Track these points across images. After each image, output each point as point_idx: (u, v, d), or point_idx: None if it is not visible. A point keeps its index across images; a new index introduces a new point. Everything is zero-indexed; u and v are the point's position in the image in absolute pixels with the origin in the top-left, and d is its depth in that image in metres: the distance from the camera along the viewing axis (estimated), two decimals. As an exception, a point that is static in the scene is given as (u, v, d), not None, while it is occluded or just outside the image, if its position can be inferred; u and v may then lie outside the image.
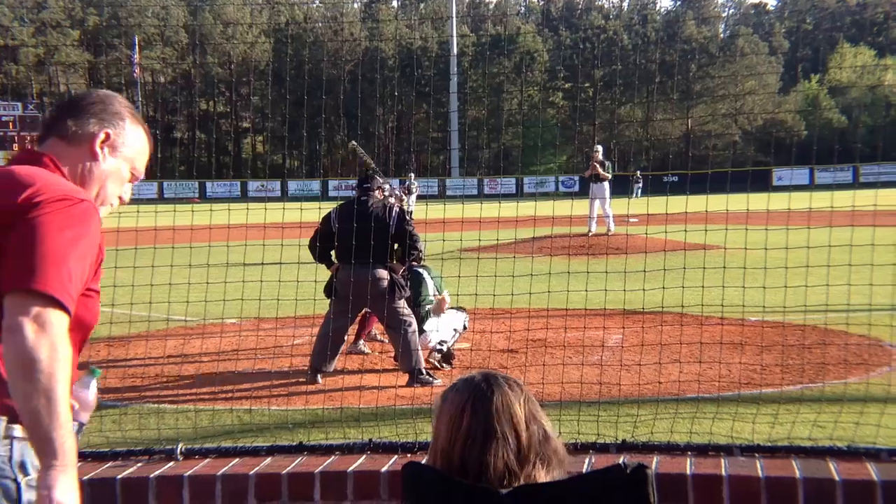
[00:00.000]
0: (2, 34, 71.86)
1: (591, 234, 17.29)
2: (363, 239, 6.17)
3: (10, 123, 63.62)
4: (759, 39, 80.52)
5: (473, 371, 2.01)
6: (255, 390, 6.03)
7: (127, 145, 2.18)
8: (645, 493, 1.89)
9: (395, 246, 6.90)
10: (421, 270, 7.50)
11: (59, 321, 1.77)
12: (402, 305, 6.73)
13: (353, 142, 9.76)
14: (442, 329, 7.19)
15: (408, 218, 6.92)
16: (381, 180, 7.42)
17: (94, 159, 2.10)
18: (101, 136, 2.12)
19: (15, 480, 1.83)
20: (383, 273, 6.62)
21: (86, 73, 76.75)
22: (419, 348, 6.63)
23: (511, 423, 1.87)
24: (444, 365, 7.08)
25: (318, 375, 6.56)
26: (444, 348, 7.15)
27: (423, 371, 6.52)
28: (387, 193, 8.53)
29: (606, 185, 18.03)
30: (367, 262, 6.38)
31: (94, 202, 2.01)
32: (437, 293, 7.48)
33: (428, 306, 7.32)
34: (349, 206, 6.90)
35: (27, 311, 1.74)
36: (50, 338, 1.73)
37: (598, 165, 18.27)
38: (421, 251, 7.01)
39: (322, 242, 6.82)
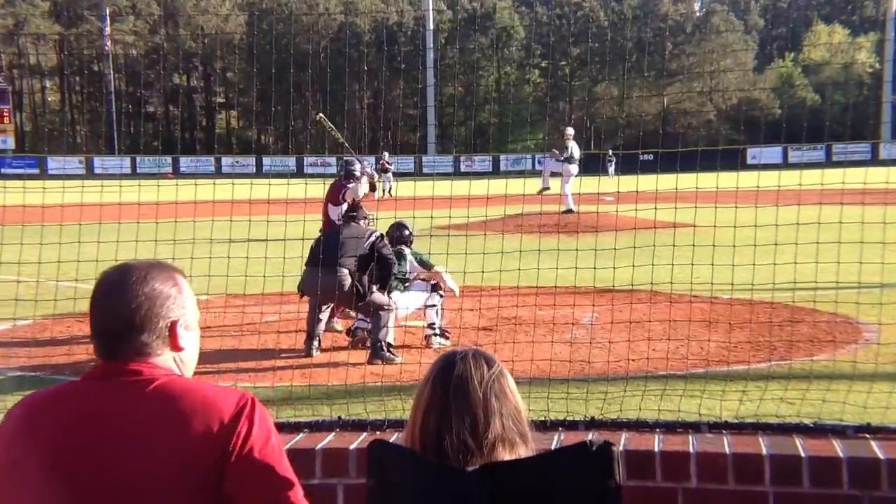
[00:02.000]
0: (-31, 5, 70.46)
1: (575, 211, 17.34)
2: (333, 249, 6.82)
3: (-21, 96, 62.53)
4: (734, 18, 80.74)
5: (456, 347, 2.00)
6: (225, 367, 5.99)
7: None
8: (611, 470, 1.89)
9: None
10: (405, 249, 7.65)
11: None
12: (374, 297, 7.02)
13: (320, 114, 9.67)
14: (409, 304, 7.34)
15: (382, 243, 7.24)
16: (355, 159, 7.77)
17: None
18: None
19: None
20: (345, 275, 6.93)
21: (56, 44, 75.45)
22: (388, 326, 6.82)
23: (467, 399, 1.86)
24: (443, 342, 7.17)
25: (314, 344, 6.99)
26: (436, 329, 7.31)
27: (385, 348, 6.71)
28: (358, 173, 8.61)
29: (574, 166, 18.36)
30: (333, 268, 6.84)
31: None
32: (423, 270, 7.72)
33: (399, 283, 7.46)
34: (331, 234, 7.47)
35: None
36: None
37: (570, 145, 18.54)
38: (388, 278, 7.21)
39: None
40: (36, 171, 55.00)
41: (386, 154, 35.43)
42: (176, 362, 1.87)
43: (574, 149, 18.64)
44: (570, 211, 17.21)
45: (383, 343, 6.73)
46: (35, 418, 1.76)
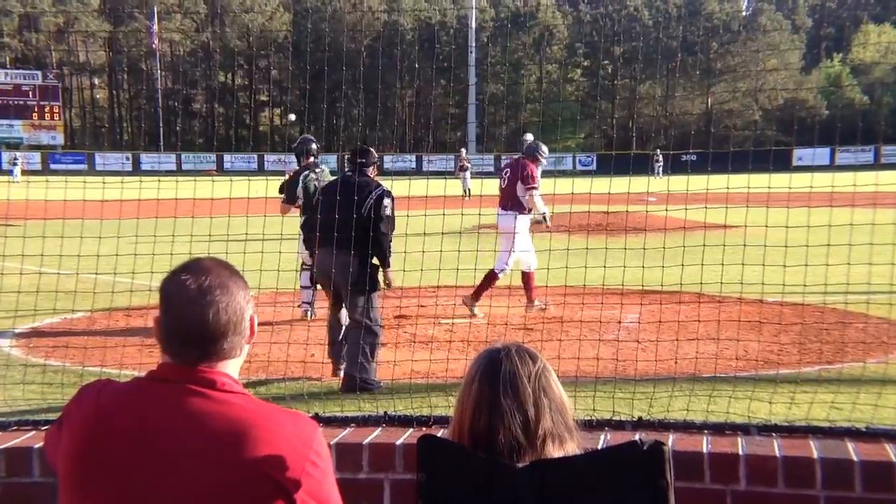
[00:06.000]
0: (22, 2, 71.91)
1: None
2: (341, 224, 5.45)
3: (31, 92, 63.89)
4: (782, 17, 79.47)
5: (496, 343, 1.99)
6: (272, 361, 6.05)
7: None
8: (661, 470, 1.87)
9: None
10: None
11: None
12: (364, 300, 6.12)
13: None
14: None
15: (386, 204, 6.29)
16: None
17: None
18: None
19: None
20: (355, 259, 5.94)
21: (105, 42, 76.75)
22: (373, 359, 6.04)
23: (517, 395, 1.85)
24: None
25: (340, 368, 6.23)
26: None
27: (368, 382, 5.87)
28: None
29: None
30: (341, 247, 5.64)
31: None
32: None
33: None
34: (333, 184, 6.42)
35: None
36: None
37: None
38: (386, 246, 6.30)
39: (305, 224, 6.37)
40: (84, 166, 56.04)
41: (464, 151, 34.69)
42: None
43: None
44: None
45: (367, 378, 5.89)
46: (103, 422, 1.77)
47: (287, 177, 9.27)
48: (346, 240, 5.56)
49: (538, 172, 8.95)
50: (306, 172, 8.75)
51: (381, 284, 6.32)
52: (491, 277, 8.29)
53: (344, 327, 6.27)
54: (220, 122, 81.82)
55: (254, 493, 1.69)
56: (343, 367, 6.11)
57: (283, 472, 1.70)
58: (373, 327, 6.11)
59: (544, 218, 9.06)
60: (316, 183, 8.43)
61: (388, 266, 6.33)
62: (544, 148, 9.17)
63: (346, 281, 5.81)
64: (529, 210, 8.81)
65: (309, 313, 8.22)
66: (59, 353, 6.50)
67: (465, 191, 27.77)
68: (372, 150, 6.62)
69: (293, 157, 9.57)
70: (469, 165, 31.21)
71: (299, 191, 8.50)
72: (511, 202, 8.76)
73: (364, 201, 6.13)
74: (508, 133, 71.83)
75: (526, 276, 8.38)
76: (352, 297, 5.99)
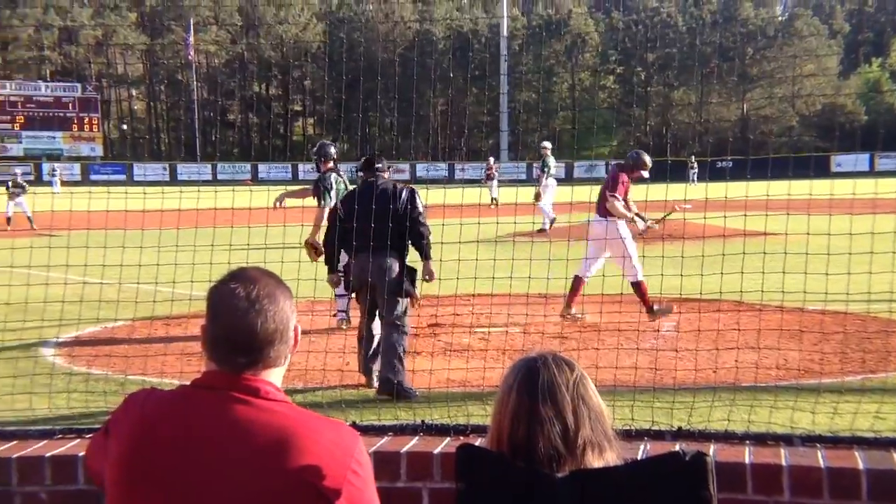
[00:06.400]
0: (62, 16, 73.29)
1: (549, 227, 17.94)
2: (370, 224, 5.57)
3: (70, 104, 65.03)
4: (818, 22, 78.52)
5: (532, 352, 1.98)
6: (309, 370, 6.09)
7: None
8: (704, 481, 1.85)
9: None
10: None
11: None
12: (402, 304, 6.19)
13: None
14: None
15: (419, 200, 6.38)
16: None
17: None
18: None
19: None
20: (394, 262, 6.10)
21: (143, 55, 77.95)
22: (404, 364, 6.07)
23: (556, 404, 1.84)
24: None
25: (373, 381, 6.22)
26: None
27: (405, 388, 5.87)
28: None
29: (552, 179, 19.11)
30: (379, 249, 5.77)
31: None
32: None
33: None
34: (358, 192, 6.43)
35: None
36: None
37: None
38: (426, 238, 6.32)
39: (333, 230, 6.36)
40: (123, 177, 56.88)
41: (491, 160, 34.71)
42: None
43: (551, 161, 19.55)
44: (543, 230, 17.61)
45: (402, 382, 5.90)
46: (149, 430, 1.79)
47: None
48: (384, 243, 5.66)
49: (625, 179, 8.77)
50: (328, 174, 8.78)
51: (422, 279, 6.38)
52: (577, 283, 8.23)
53: (376, 338, 6.28)
54: (254, 132, 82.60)
55: (296, 502, 1.70)
56: (377, 376, 6.13)
57: (325, 480, 1.71)
58: (405, 331, 6.16)
59: (647, 224, 8.92)
60: (343, 185, 8.51)
61: (430, 258, 6.37)
62: (646, 158, 9.01)
63: (383, 285, 5.89)
64: (617, 217, 8.71)
65: (344, 322, 8.25)
66: (101, 362, 6.60)
67: (491, 199, 27.87)
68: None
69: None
70: (496, 174, 31.18)
71: (333, 193, 8.53)
72: (604, 208, 8.71)
73: (398, 200, 6.19)
74: (540, 141, 71.83)
75: (637, 286, 8.28)
76: (389, 301, 6.04)
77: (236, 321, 1.81)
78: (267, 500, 1.71)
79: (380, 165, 6.54)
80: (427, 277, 6.43)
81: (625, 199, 8.78)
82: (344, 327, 8.12)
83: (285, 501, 1.70)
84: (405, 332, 6.18)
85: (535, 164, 33.46)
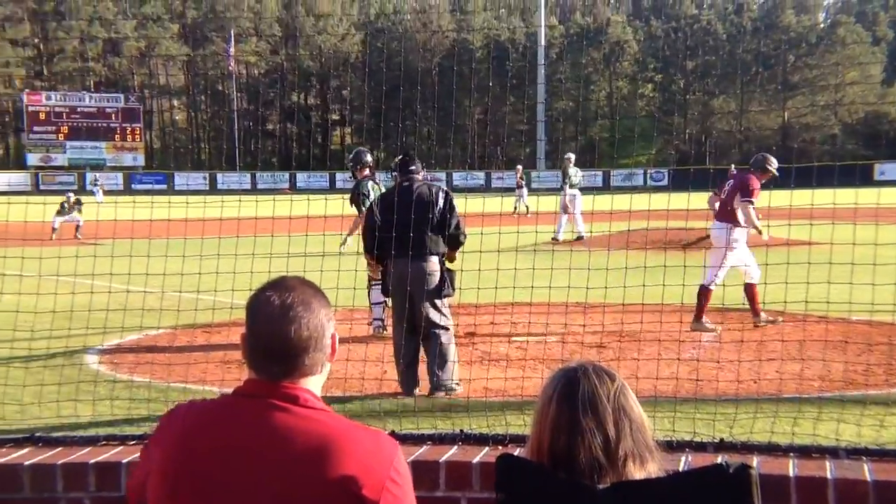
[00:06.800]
0: (106, 28, 74.71)
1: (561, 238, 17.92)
2: (409, 229, 5.69)
3: (114, 115, 66.16)
4: (861, 29, 77.34)
5: (572, 362, 1.97)
6: (348, 378, 6.11)
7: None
8: (748, 494, 1.83)
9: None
10: None
11: None
12: (444, 305, 6.21)
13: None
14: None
15: (455, 205, 6.36)
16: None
17: None
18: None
19: None
20: (434, 265, 6.13)
21: (184, 65, 79.12)
22: (455, 359, 6.17)
23: (597, 415, 1.83)
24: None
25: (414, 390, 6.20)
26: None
27: (451, 385, 6.04)
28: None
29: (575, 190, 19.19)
30: (417, 256, 5.89)
31: None
32: None
33: None
34: (390, 195, 6.42)
35: None
36: None
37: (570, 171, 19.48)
38: (463, 242, 6.36)
39: (371, 236, 6.32)
40: (164, 186, 57.70)
41: (520, 168, 34.74)
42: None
43: (576, 174, 19.61)
44: (556, 239, 17.61)
45: (454, 380, 6.04)
46: (191, 440, 1.81)
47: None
48: (423, 246, 5.72)
49: (757, 185, 8.62)
50: (364, 181, 8.78)
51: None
52: (703, 293, 8.06)
53: (412, 347, 6.18)
54: (293, 141, 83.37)
55: None
56: (433, 381, 6.14)
57: (364, 489, 1.72)
58: (450, 329, 6.20)
59: (759, 232, 8.81)
60: (379, 191, 8.52)
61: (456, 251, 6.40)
62: (772, 159, 8.86)
63: (423, 292, 5.91)
64: (744, 223, 8.58)
65: (380, 330, 8.27)
66: (144, 370, 6.69)
67: (516, 207, 28.07)
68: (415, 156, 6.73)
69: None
70: (523, 182, 31.21)
71: (370, 200, 8.51)
72: (726, 214, 8.61)
73: (435, 206, 6.18)
74: (578, 149, 71.50)
75: (749, 288, 8.17)
76: (431, 302, 6.05)
77: (271, 328, 1.84)
78: None
79: (413, 167, 6.51)
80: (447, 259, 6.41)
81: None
82: (383, 333, 8.14)
83: None
84: (452, 334, 6.21)
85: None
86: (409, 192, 6.22)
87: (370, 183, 8.84)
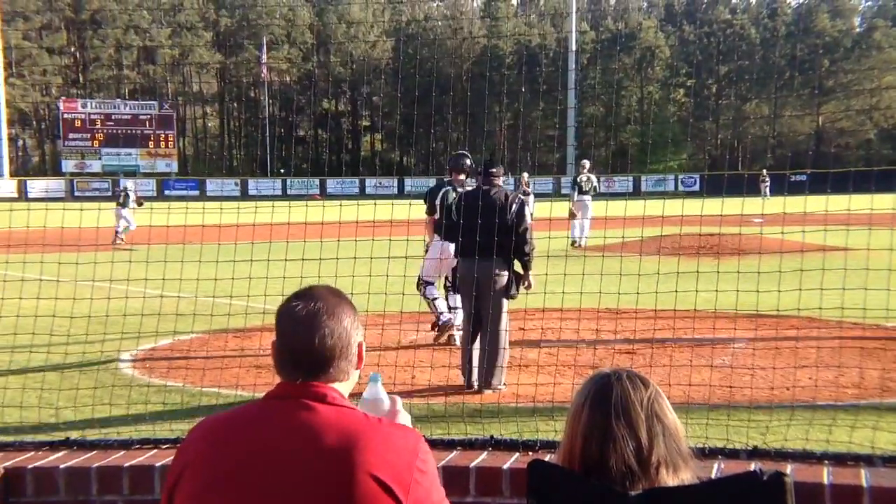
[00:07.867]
0: (141, 36, 75.70)
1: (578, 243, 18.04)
2: (485, 232, 6.00)
3: (147, 122, 66.94)
4: (898, 32, 76.23)
5: (604, 368, 1.96)
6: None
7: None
8: (783, 502, 1.81)
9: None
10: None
11: None
12: (505, 308, 6.51)
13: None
14: None
15: (527, 213, 6.66)
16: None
17: None
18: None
19: None
20: (503, 269, 6.43)
21: (217, 73, 79.90)
22: (505, 364, 6.44)
23: (630, 421, 1.82)
24: None
25: (474, 383, 6.46)
26: None
27: (502, 385, 6.34)
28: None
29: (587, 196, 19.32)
30: (489, 256, 6.16)
31: None
32: None
33: None
34: (473, 196, 6.72)
35: None
36: None
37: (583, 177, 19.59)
38: (529, 253, 6.61)
39: (447, 232, 6.78)
40: (197, 192, 58.24)
41: (525, 175, 34.44)
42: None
43: (587, 180, 19.66)
44: (575, 242, 17.81)
45: (501, 382, 6.35)
46: (223, 442, 1.84)
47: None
48: (491, 253, 6.04)
49: None
50: (447, 189, 8.30)
51: (522, 288, 6.63)
52: None
53: (478, 344, 6.44)
54: (323, 147, 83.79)
55: (364, 502, 1.73)
56: (476, 382, 6.38)
57: (393, 479, 1.75)
58: (505, 331, 6.43)
59: None
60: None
61: (529, 269, 6.60)
62: None
63: (490, 287, 6.20)
64: None
65: (452, 323, 8.05)
66: (177, 374, 6.76)
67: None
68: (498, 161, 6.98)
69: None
70: (530, 190, 30.94)
71: (437, 204, 8.26)
72: None
73: (507, 212, 6.44)
74: (608, 155, 71.12)
75: None
76: (495, 303, 6.26)
77: (297, 337, 1.88)
78: (335, 501, 1.74)
79: (494, 171, 6.77)
80: (526, 285, 6.64)
81: None
82: (456, 324, 7.81)
83: (354, 502, 1.73)
84: (507, 340, 6.45)
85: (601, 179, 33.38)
86: (486, 196, 6.53)
87: (449, 188, 8.28)
